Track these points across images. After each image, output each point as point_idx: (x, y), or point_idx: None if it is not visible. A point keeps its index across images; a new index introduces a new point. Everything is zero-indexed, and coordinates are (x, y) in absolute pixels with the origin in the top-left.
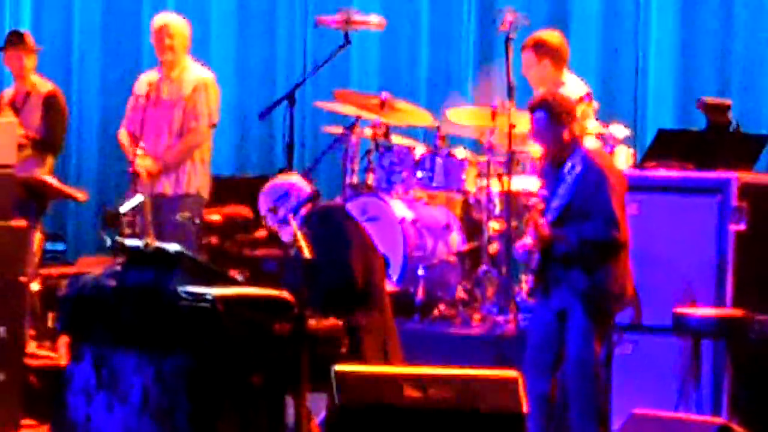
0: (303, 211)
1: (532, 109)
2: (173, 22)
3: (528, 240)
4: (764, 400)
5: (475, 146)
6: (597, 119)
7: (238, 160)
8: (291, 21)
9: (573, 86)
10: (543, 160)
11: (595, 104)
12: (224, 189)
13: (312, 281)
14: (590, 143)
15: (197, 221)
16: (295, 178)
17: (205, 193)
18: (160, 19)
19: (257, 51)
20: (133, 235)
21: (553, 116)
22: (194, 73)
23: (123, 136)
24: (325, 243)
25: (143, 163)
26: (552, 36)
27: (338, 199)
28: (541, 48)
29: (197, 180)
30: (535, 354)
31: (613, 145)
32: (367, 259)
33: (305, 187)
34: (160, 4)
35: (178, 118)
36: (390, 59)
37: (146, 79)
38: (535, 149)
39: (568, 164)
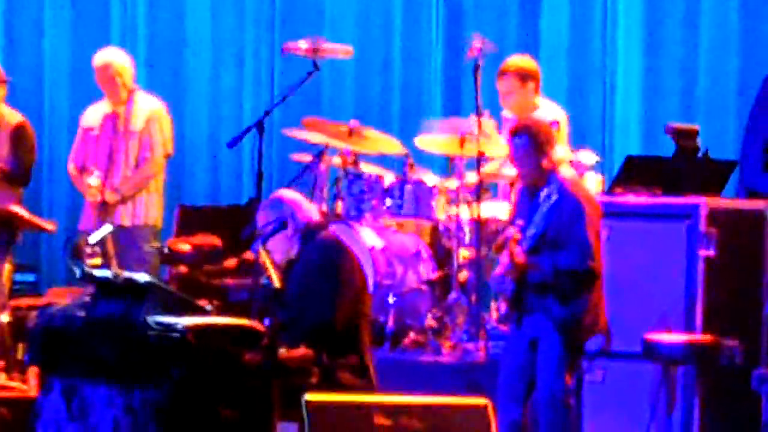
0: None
1: (514, 134)
2: (116, 59)
3: (501, 269)
4: (734, 426)
5: (445, 171)
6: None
7: (210, 189)
8: (258, 49)
9: (547, 111)
10: (514, 186)
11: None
12: (195, 218)
13: (287, 311)
14: (566, 171)
15: (166, 251)
16: (299, 198)
17: (160, 224)
18: (103, 57)
19: (227, 79)
20: (102, 266)
21: (535, 142)
22: (146, 104)
23: (73, 169)
24: (319, 274)
25: (98, 194)
26: (530, 61)
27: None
28: (524, 73)
29: (153, 210)
30: (509, 382)
31: (581, 172)
32: (356, 302)
33: (306, 210)
34: (130, 37)
35: (134, 149)
36: (361, 87)
37: (98, 110)
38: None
39: (544, 192)
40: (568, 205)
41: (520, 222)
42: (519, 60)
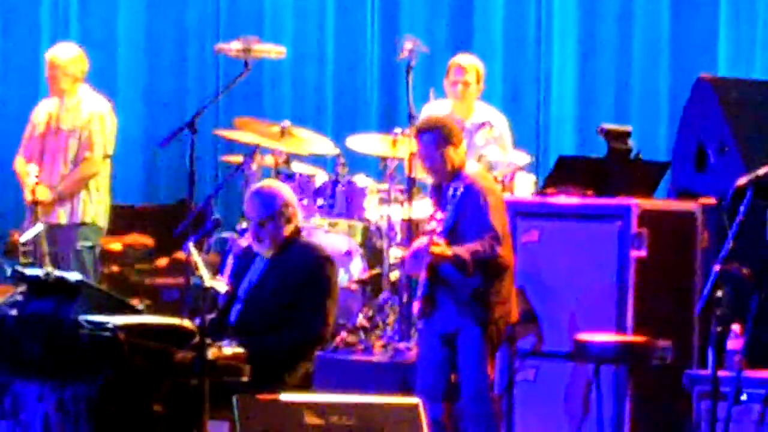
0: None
1: (422, 131)
2: (64, 54)
3: (410, 252)
4: (665, 426)
5: (378, 173)
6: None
7: (148, 188)
8: (201, 49)
9: (484, 114)
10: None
11: (496, 131)
12: (131, 218)
13: (262, 310)
14: (471, 166)
15: (98, 250)
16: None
17: (102, 222)
18: (52, 52)
19: (168, 79)
20: (32, 265)
21: (442, 137)
22: (90, 102)
23: (19, 164)
24: (313, 285)
25: (37, 192)
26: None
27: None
28: (480, 73)
29: (92, 209)
30: (426, 379)
31: (514, 172)
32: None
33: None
34: (62, 33)
35: (73, 148)
36: (299, 87)
37: (44, 107)
38: None
39: (451, 187)
40: (473, 197)
41: (439, 216)
42: (478, 60)
